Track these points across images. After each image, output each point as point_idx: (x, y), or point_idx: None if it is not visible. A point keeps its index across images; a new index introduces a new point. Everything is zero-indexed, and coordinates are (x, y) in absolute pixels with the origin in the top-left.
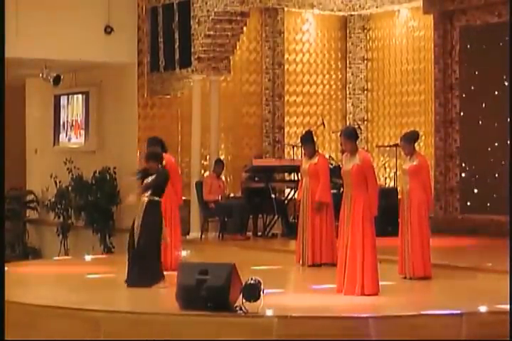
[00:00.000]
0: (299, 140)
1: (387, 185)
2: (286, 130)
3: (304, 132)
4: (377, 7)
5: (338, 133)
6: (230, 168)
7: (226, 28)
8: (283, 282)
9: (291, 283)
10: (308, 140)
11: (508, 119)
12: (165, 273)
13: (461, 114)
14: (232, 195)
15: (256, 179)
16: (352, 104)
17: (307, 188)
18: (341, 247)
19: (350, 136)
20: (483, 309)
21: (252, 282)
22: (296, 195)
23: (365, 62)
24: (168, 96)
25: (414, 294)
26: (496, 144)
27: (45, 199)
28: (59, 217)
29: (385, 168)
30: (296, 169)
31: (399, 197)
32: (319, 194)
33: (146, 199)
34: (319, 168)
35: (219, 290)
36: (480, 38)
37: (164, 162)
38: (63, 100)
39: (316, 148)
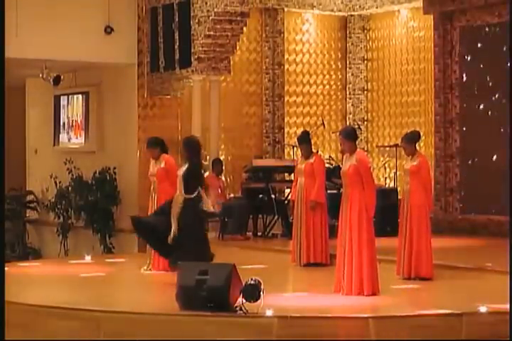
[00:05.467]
0: (296, 140)
1: (387, 185)
2: (286, 130)
3: (300, 132)
4: (377, 7)
5: (338, 133)
6: (230, 168)
7: (226, 28)
8: (282, 282)
9: (290, 283)
10: (304, 140)
11: (508, 119)
12: (165, 272)
13: (461, 114)
14: (232, 195)
15: (257, 177)
16: (352, 104)
17: (302, 188)
18: (340, 247)
19: (349, 136)
20: (483, 309)
21: (252, 282)
22: (290, 196)
23: (365, 62)
24: (168, 97)
25: (414, 294)
26: (496, 144)
27: (45, 199)
28: (59, 217)
29: (385, 168)
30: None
31: (399, 197)
32: (315, 193)
33: (181, 198)
34: (316, 168)
35: (219, 290)
36: (480, 38)
37: (163, 163)
38: (63, 100)
39: (313, 149)
